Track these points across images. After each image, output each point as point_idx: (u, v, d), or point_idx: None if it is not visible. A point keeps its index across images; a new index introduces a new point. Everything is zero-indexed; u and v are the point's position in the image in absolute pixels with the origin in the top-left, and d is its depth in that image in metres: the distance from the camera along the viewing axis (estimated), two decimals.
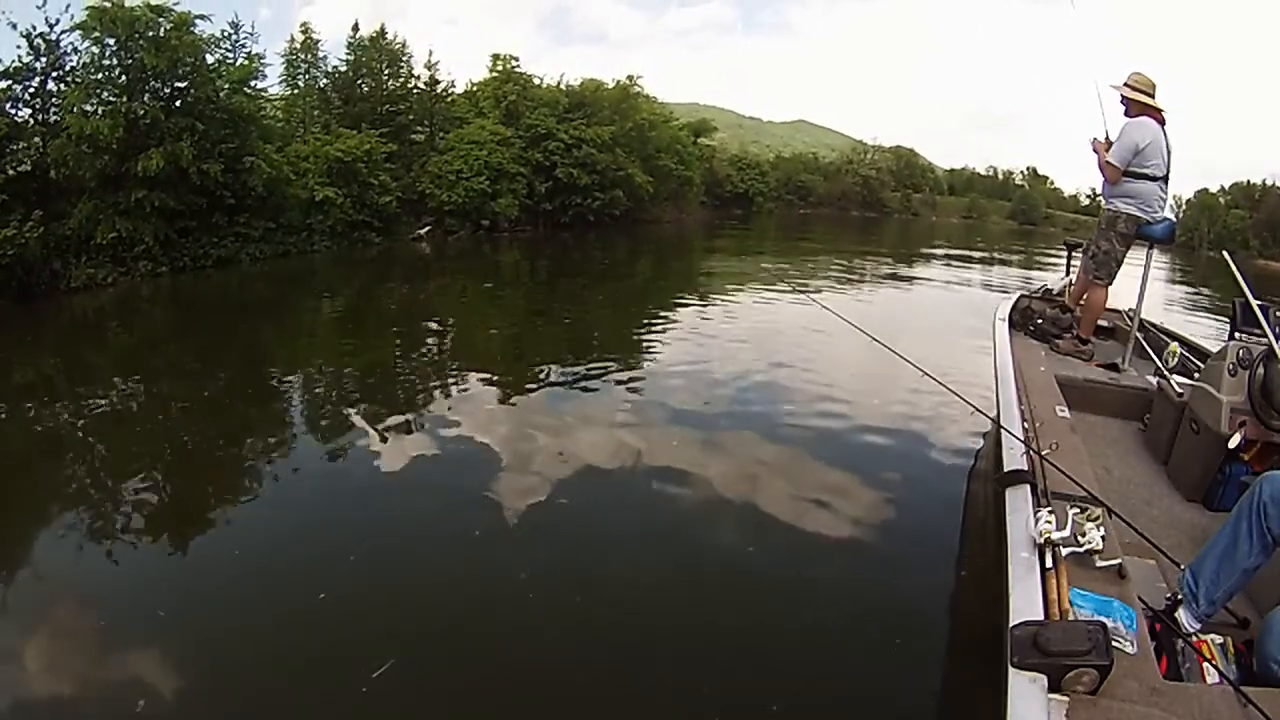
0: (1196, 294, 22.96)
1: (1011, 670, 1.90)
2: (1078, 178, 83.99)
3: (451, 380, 9.06)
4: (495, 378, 8.94)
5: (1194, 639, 2.51)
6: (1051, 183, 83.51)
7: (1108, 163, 5.29)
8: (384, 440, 6.86)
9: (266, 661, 3.80)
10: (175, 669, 3.68)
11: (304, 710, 3.47)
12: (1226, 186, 60.34)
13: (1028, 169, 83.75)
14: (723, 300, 15.06)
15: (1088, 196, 68.36)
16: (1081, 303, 6.09)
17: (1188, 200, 61.20)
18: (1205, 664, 2.34)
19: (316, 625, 4.07)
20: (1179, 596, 2.71)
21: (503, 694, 3.58)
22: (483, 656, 3.86)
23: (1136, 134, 5.19)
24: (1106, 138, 5.52)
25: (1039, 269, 25.05)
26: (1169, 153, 5.32)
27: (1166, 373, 4.85)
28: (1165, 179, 5.35)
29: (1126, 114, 5.35)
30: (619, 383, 8.55)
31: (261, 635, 3.98)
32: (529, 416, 7.48)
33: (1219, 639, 2.54)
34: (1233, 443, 3.73)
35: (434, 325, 12.87)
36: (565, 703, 3.55)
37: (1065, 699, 1.88)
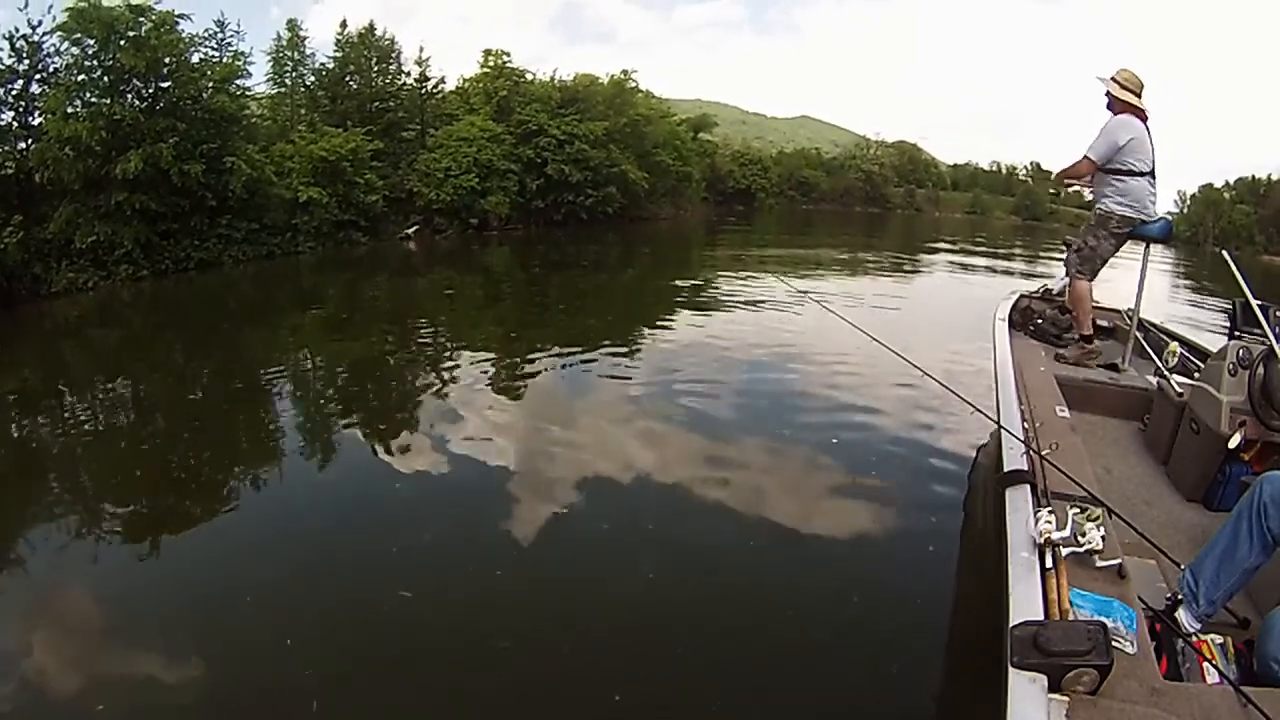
0: (1200, 291, 22.92)
1: (1011, 670, 1.91)
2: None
3: (440, 385, 9.02)
4: (488, 388, 8.86)
5: (1194, 639, 2.51)
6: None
7: (1085, 157, 5.22)
8: (373, 445, 6.92)
9: (254, 665, 3.80)
10: (153, 672, 3.69)
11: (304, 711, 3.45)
12: (1232, 182, 60.27)
13: (1031, 164, 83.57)
14: (719, 312, 14.61)
15: (1091, 193, 68.08)
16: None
17: (1192, 195, 61.23)
18: (1205, 664, 2.34)
19: (310, 629, 4.06)
20: (1179, 596, 2.71)
21: (500, 694, 3.58)
22: (481, 659, 3.84)
23: (1119, 131, 5.13)
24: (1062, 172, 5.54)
25: (1044, 265, 25.00)
26: (1153, 150, 5.27)
27: (1166, 373, 4.84)
28: (1152, 174, 5.30)
29: (1109, 108, 5.28)
30: (616, 397, 8.45)
31: (249, 638, 3.97)
32: (525, 430, 7.41)
33: (1219, 639, 2.55)
34: (1233, 443, 3.73)
35: (421, 330, 12.81)
36: (565, 705, 3.56)
37: (1065, 699, 1.88)
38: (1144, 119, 5.22)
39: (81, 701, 3.53)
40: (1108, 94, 5.27)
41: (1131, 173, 5.22)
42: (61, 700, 3.57)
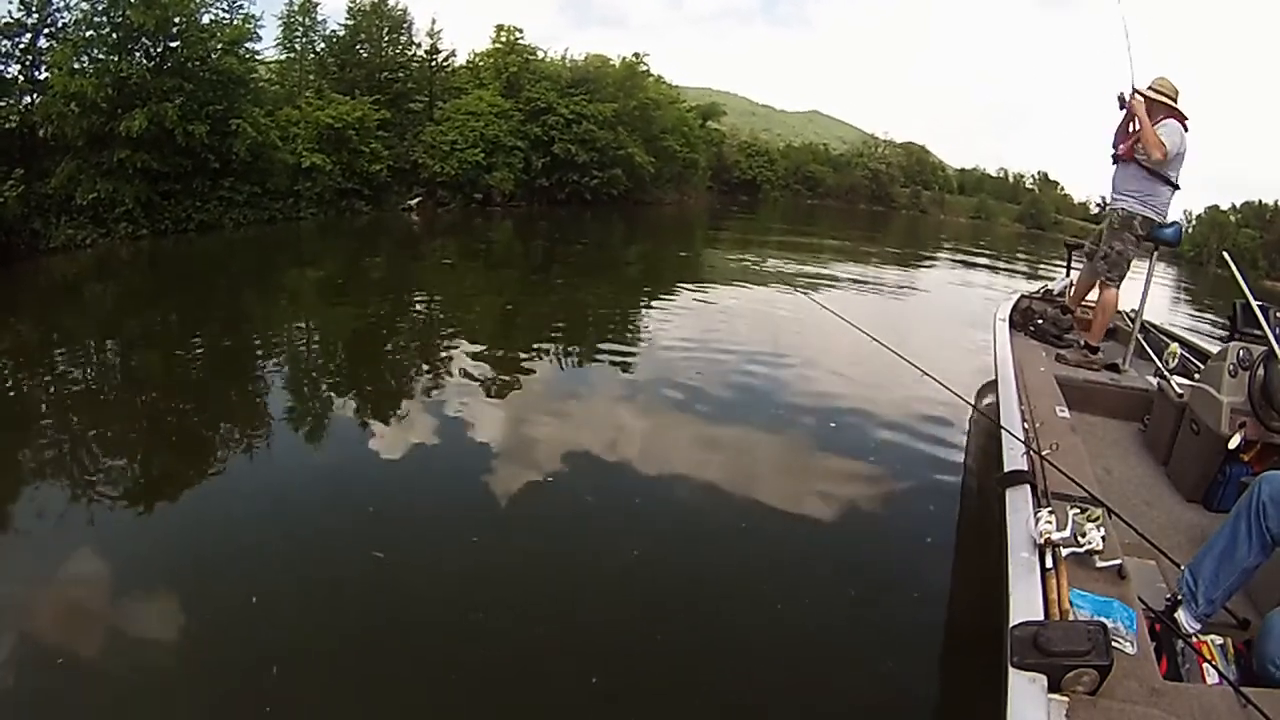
0: (1199, 308, 22.96)
1: (1011, 670, 1.90)
2: (1089, 185, 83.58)
3: (437, 359, 8.99)
4: (482, 359, 8.83)
5: (1194, 639, 2.51)
6: (1062, 189, 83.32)
7: (1159, 140, 5.03)
8: (360, 410, 6.94)
9: (220, 627, 3.75)
10: (116, 631, 3.70)
11: (284, 694, 3.40)
12: (1238, 205, 60.31)
13: (1039, 173, 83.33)
14: (718, 295, 14.58)
15: (1097, 205, 68.08)
16: (1086, 303, 6.07)
17: (1198, 216, 61.19)
18: (1205, 664, 2.34)
19: (280, 592, 4.02)
20: (1179, 597, 2.70)
21: (488, 686, 3.52)
22: (453, 629, 3.82)
23: (1180, 141, 5.09)
24: (1134, 93, 5.26)
25: (1046, 270, 25.01)
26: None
27: (1167, 373, 4.83)
28: (1178, 186, 5.31)
29: (1149, 114, 5.23)
30: (608, 370, 8.47)
31: (219, 602, 3.91)
32: (515, 400, 7.41)
33: (1219, 639, 2.54)
34: (1233, 443, 3.73)
35: (418, 300, 12.76)
36: (539, 684, 3.51)
37: (1065, 699, 1.87)
38: (1183, 120, 5.17)
39: (42, 655, 3.52)
40: (1146, 101, 5.21)
41: (1165, 180, 5.22)
42: (18, 653, 3.55)
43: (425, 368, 8.41)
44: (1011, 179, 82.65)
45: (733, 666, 3.74)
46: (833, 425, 6.90)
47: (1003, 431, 3.35)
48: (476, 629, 3.81)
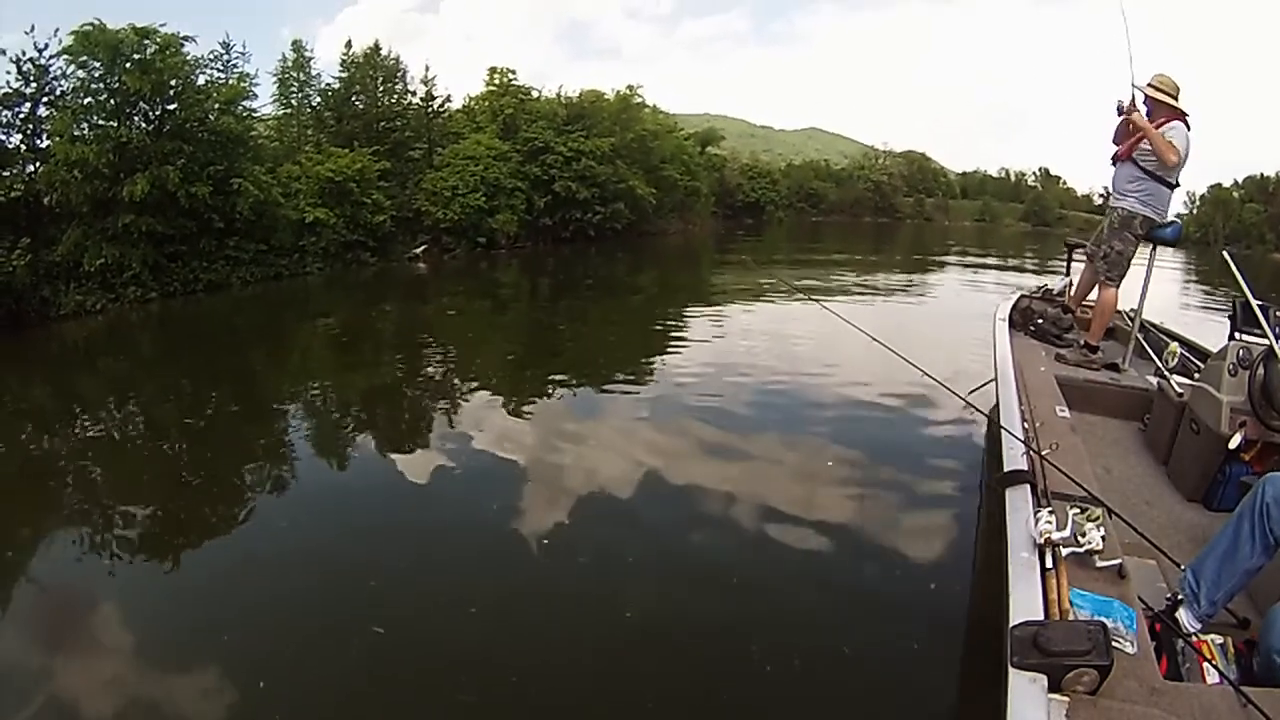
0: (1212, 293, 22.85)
1: (1011, 670, 1.91)
2: (1090, 177, 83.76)
3: (457, 400, 9.04)
4: (501, 395, 8.95)
5: (1194, 639, 2.50)
6: (1064, 183, 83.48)
7: (1170, 144, 5.03)
8: (390, 461, 6.94)
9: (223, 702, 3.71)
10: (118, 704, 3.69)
11: None
12: (1240, 180, 60.08)
13: (1040, 170, 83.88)
14: (726, 317, 14.84)
15: (1100, 196, 68.06)
16: (1087, 302, 6.07)
17: (1201, 196, 61.08)
18: (1205, 664, 2.34)
19: (281, 664, 3.97)
20: (1179, 597, 2.70)
21: (519, 699, 3.58)
22: (502, 671, 3.82)
23: (1186, 144, 5.11)
24: (1133, 102, 5.29)
25: (1054, 269, 24.98)
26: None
27: (1166, 373, 4.85)
28: (1178, 185, 5.34)
29: (1149, 114, 5.23)
30: (620, 406, 8.46)
31: (221, 676, 3.87)
32: (540, 429, 7.51)
33: (1219, 639, 2.54)
34: (1233, 443, 3.73)
35: (434, 347, 12.79)
36: (571, 702, 3.55)
37: (1065, 699, 1.88)
38: (1184, 119, 5.18)
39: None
40: (1146, 99, 5.24)
41: (1164, 183, 5.25)
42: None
43: (434, 422, 8.37)
44: (1013, 178, 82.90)
45: (739, 668, 3.79)
46: (843, 442, 6.91)
47: (1002, 431, 3.38)
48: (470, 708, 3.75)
